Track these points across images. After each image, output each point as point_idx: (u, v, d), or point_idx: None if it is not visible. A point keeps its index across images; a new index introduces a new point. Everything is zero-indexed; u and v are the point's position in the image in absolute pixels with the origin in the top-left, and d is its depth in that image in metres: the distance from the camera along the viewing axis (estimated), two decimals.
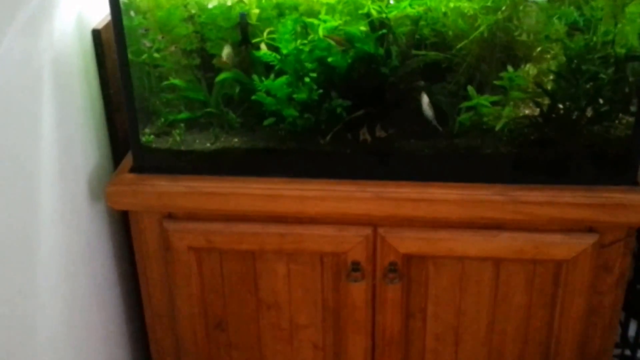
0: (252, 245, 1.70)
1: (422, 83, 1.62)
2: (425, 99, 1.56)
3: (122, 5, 1.54)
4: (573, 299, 1.68)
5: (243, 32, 1.59)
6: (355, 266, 1.68)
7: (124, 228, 1.86)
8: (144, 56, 1.66)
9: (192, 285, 1.78)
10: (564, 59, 1.62)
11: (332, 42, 1.52)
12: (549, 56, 1.63)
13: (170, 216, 1.70)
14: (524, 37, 1.54)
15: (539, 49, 1.61)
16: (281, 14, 1.62)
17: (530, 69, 1.65)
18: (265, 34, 1.62)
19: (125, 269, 1.92)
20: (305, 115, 1.60)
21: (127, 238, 1.83)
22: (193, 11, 1.61)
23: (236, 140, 1.65)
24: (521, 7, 1.52)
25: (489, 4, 1.51)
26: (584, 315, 1.71)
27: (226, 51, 1.62)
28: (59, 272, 1.58)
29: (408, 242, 1.67)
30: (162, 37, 1.57)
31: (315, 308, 1.77)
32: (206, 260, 1.76)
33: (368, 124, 1.61)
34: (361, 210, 1.63)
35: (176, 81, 1.66)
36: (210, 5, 1.57)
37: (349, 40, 1.60)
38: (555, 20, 1.52)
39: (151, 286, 1.82)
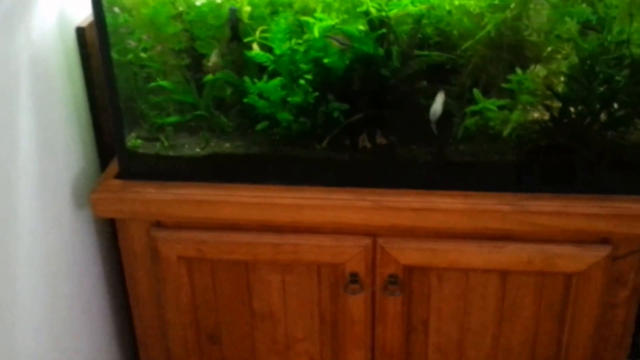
0: (245, 255, 1.63)
1: (424, 84, 1.51)
2: (439, 98, 1.46)
3: (104, 2, 1.43)
4: (584, 313, 1.60)
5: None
6: (354, 278, 1.61)
7: (111, 236, 1.77)
8: (130, 56, 1.55)
9: (183, 296, 1.71)
10: (576, 59, 1.51)
11: (334, 43, 1.41)
12: (559, 57, 1.52)
13: (159, 224, 1.62)
14: (534, 36, 1.42)
15: (549, 49, 1.49)
16: (274, 12, 1.53)
17: (540, 70, 1.54)
18: (257, 33, 1.52)
19: (114, 279, 1.84)
20: (301, 120, 1.53)
21: (115, 247, 1.75)
22: (181, 9, 1.50)
23: (228, 145, 1.58)
24: (531, 5, 1.40)
25: (496, 1, 1.40)
26: (594, 329, 1.63)
27: (213, 59, 1.51)
28: (42, 283, 1.50)
29: (409, 253, 1.59)
30: (148, 37, 1.46)
31: (312, 320, 1.70)
32: (197, 270, 1.69)
33: (368, 130, 1.52)
34: (360, 219, 1.55)
35: (164, 83, 1.57)
36: (198, 3, 1.46)
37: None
38: (567, 18, 1.39)
39: (140, 297, 1.75)
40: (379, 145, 1.52)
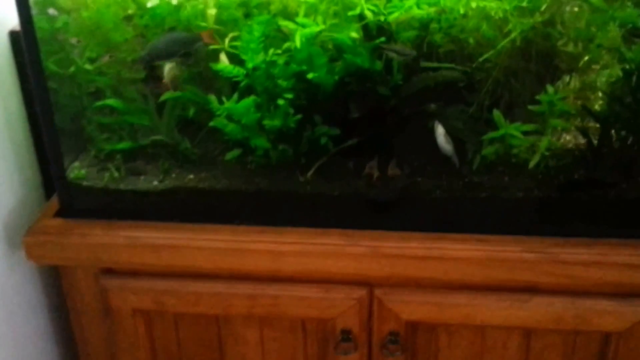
0: (214, 308, 1.40)
1: (433, 106, 1.25)
2: (440, 130, 1.25)
3: (32, 2, 1.16)
4: None
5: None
6: (346, 335, 1.39)
7: (57, 283, 1.52)
8: (72, 68, 1.27)
9: (141, 355, 1.48)
10: (618, 73, 1.25)
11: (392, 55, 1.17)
12: (599, 69, 1.24)
13: (110, 271, 1.40)
14: (570, 46, 1.13)
15: (585, 58, 1.21)
16: (248, 15, 1.30)
17: (574, 86, 1.26)
18: (226, 41, 1.27)
19: (61, 334, 1.61)
20: (280, 147, 1.33)
21: (62, 296, 1.51)
22: (131, 11, 1.21)
23: (192, 177, 1.37)
24: (567, 8, 1.10)
25: (524, 3, 1.10)
26: None
27: (168, 71, 1.25)
28: None
29: (413, 307, 1.37)
30: (78, 42, 1.21)
31: None
32: (157, 324, 1.46)
33: (380, 158, 1.30)
34: (353, 269, 1.33)
35: (112, 101, 1.32)
36: (150, 4, 1.17)
37: (337, 51, 1.21)
38: (612, 25, 1.10)
39: (92, 355, 1.52)
40: (390, 177, 1.29)
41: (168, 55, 1.24)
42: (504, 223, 1.31)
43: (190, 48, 1.23)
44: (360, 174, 1.28)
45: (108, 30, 1.29)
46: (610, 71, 1.29)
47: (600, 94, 1.34)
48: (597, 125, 1.33)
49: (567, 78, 1.29)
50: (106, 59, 1.31)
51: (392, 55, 1.17)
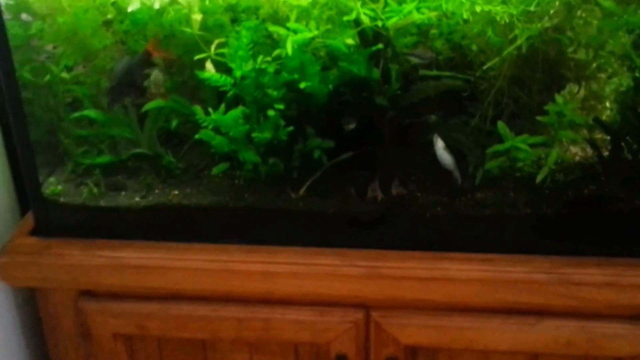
0: (201, 332, 1.34)
1: (433, 118, 1.18)
2: (439, 143, 1.18)
3: (4, 7, 1.08)
4: None
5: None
6: None
7: (34, 302, 1.43)
8: (47, 77, 1.19)
9: None
10: (629, 82, 1.19)
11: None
12: (608, 78, 1.17)
13: (89, 294, 1.34)
14: (581, 54, 1.04)
15: (595, 65, 1.14)
16: (235, 20, 1.23)
17: (581, 96, 1.19)
18: (212, 48, 1.18)
19: (38, 357, 1.52)
20: (271, 161, 1.25)
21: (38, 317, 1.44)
22: (110, 15, 1.13)
23: (176, 192, 1.30)
24: (578, 12, 1.02)
25: (532, 7, 1.01)
26: None
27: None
28: None
29: (412, 331, 1.30)
30: (54, 48, 1.14)
31: None
32: (140, 349, 1.39)
33: (381, 178, 1.23)
34: (349, 290, 1.26)
35: (90, 112, 1.24)
36: (130, 8, 1.08)
37: (332, 58, 1.11)
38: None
39: None
40: (396, 196, 1.21)
41: (132, 89, 1.17)
42: (510, 242, 1.25)
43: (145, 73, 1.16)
44: (363, 198, 1.20)
45: (86, 37, 1.22)
46: (621, 79, 1.21)
47: (607, 104, 1.27)
48: (606, 137, 1.26)
49: (574, 87, 1.20)
50: (80, 69, 1.22)
51: (413, 59, 1.09)
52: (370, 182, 1.22)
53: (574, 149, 1.31)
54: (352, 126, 1.18)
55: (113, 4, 1.18)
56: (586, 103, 1.25)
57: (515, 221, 1.24)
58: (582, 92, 1.24)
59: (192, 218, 1.29)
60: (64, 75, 1.26)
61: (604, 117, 1.26)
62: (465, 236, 1.26)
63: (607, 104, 1.27)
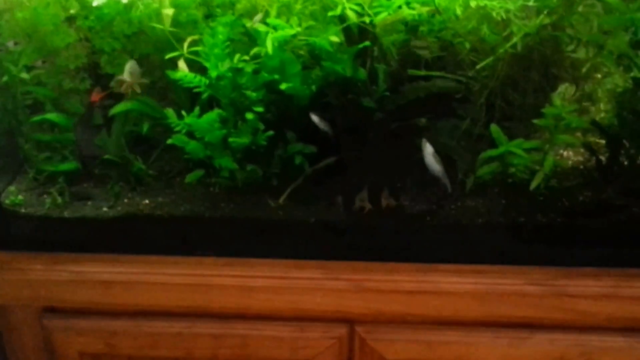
0: (175, 350, 1.27)
1: (423, 121, 1.13)
2: (428, 149, 1.11)
3: None
4: None
5: None
6: None
7: None
8: (5, 78, 1.12)
9: None
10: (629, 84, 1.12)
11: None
12: (608, 78, 1.13)
13: (54, 310, 1.27)
14: (582, 52, 0.97)
15: (597, 65, 1.09)
16: (210, 16, 1.17)
17: (578, 96, 1.13)
18: (185, 45, 1.11)
19: None
20: (249, 168, 1.18)
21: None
22: (73, 11, 1.04)
23: (147, 202, 1.23)
24: (580, 8, 0.95)
25: (530, 2, 0.93)
26: None
27: (130, 68, 1.14)
28: None
29: (399, 346, 1.24)
30: (16, 44, 1.12)
31: None
32: None
33: (370, 188, 1.15)
34: (332, 305, 1.21)
35: (52, 116, 1.18)
36: (96, 3, 0.99)
37: (314, 57, 1.03)
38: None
39: None
40: (385, 208, 1.14)
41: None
42: (503, 252, 1.19)
43: None
44: (350, 209, 1.13)
45: (47, 34, 1.14)
46: (622, 80, 1.15)
47: (603, 106, 1.20)
48: (601, 141, 1.20)
49: (570, 87, 1.13)
50: (39, 64, 1.13)
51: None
52: (357, 189, 1.14)
53: (566, 153, 1.25)
54: (336, 131, 1.09)
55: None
56: (584, 105, 1.19)
57: (507, 230, 1.18)
58: (578, 93, 1.17)
59: (164, 229, 1.23)
60: (24, 75, 1.18)
61: (598, 119, 1.20)
62: (455, 246, 1.20)
63: (603, 106, 1.21)
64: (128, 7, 1.11)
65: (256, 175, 1.19)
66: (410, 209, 1.17)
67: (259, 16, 1.11)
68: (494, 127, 1.10)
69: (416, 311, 1.19)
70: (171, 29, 1.13)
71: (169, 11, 1.08)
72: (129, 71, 1.17)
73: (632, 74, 1.12)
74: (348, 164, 1.16)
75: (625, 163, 1.15)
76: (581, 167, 1.21)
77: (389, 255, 1.19)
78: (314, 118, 1.10)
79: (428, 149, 1.10)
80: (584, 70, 1.13)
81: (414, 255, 1.19)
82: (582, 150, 1.24)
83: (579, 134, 1.21)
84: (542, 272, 1.17)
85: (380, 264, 1.19)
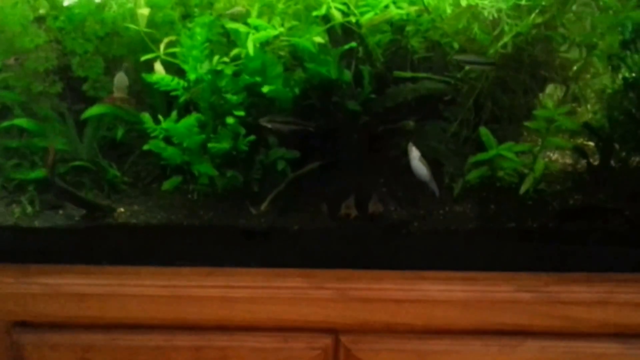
0: None
1: (411, 124, 1.09)
2: (414, 153, 1.07)
3: None
4: None
5: None
6: None
7: None
8: None
9: None
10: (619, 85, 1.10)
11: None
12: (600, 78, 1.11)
13: (25, 324, 1.21)
14: (573, 53, 0.93)
15: (587, 66, 1.06)
16: (187, 16, 1.13)
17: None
18: (162, 47, 1.07)
19: None
20: (229, 174, 1.15)
21: None
22: (42, 10, 0.99)
23: (122, 210, 1.19)
24: (574, 7, 0.91)
25: (523, 1, 0.89)
26: None
27: (118, 81, 1.11)
28: None
29: (386, 356, 1.20)
30: None
31: None
32: None
33: (358, 194, 1.11)
34: (316, 315, 1.17)
35: (21, 121, 1.14)
36: (66, 2, 0.94)
37: (296, 58, 0.99)
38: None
39: None
40: (371, 215, 1.10)
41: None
42: (493, 257, 1.15)
43: None
44: (334, 216, 1.08)
45: (14, 34, 1.09)
46: (601, 80, 1.12)
47: (589, 107, 1.17)
48: (590, 143, 1.16)
49: (558, 89, 1.09)
50: (11, 61, 1.08)
51: (474, 67, 0.96)
52: (341, 195, 1.09)
53: (554, 156, 1.21)
54: (319, 135, 1.05)
55: None
56: (572, 106, 1.16)
57: (497, 236, 1.15)
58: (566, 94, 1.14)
59: (141, 239, 1.19)
60: None
61: (587, 121, 1.17)
62: (443, 253, 1.16)
63: (591, 107, 1.18)
64: (100, 7, 1.08)
65: (237, 181, 1.15)
66: (397, 215, 1.14)
67: (236, 9, 1.06)
68: (483, 130, 1.07)
69: (403, 320, 1.16)
70: (147, 29, 1.10)
71: (144, 11, 1.05)
72: (115, 84, 1.13)
73: (623, 74, 1.08)
74: (332, 169, 1.12)
75: (617, 165, 1.11)
76: (570, 169, 1.18)
77: (375, 262, 1.16)
78: (264, 123, 1.06)
79: (414, 154, 1.07)
80: (573, 70, 1.10)
81: (401, 263, 1.15)
82: (568, 152, 1.21)
83: (566, 136, 1.19)
84: (533, 278, 1.14)
85: (365, 272, 1.15)
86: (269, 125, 1.05)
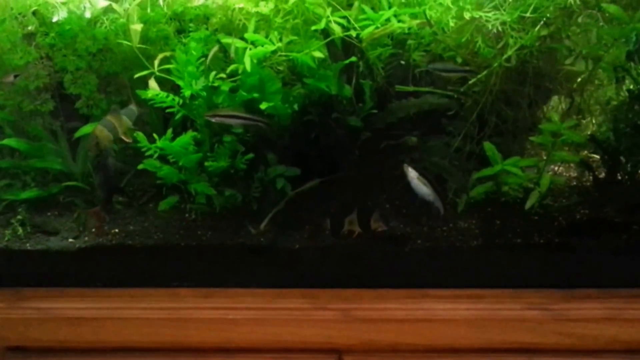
0: None
1: (414, 139, 1.05)
2: (411, 174, 1.02)
3: None
4: None
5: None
6: None
7: None
8: None
9: None
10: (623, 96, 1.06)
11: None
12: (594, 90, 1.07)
13: (19, 350, 1.17)
14: (580, 65, 0.89)
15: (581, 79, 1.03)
16: (182, 31, 1.07)
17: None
18: (156, 63, 1.02)
19: None
20: (227, 192, 1.09)
21: None
22: (31, 27, 0.96)
23: (117, 230, 1.14)
24: (579, 19, 0.87)
25: (527, 14, 0.85)
26: None
27: (124, 123, 1.04)
28: None
29: None
30: None
31: None
32: None
33: (359, 211, 1.06)
34: (319, 336, 1.13)
35: (11, 141, 1.10)
36: (55, 18, 0.88)
37: (295, 74, 0.95)
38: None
39: None
40: (374, 231, 1.06)
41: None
42: (500, 274, 1.11)
43: None
44: (337, 233, 1.03)
45: (4, 52, 1.05)
46: (606, 92, 1.08)
47: (593, 119, 1.13)
48: (596, 156, 1.12)
49: (563, 102, 1.05)
50: (10, 79, 1.04)
51: (450, 75, 0.92)
52: (343, 213, 1.04)
53: (558, 169, 1.18)
54: (320, 151, 1.00)
55: (34, 13, 0.97)
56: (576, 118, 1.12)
57: (503, 252, 1.10)
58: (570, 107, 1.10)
59: (137, 260, 1.16)
60: None
61: (592, 133, 1.13)
62: (448, 270, 1.12)
63: (595, 120, 1.13)
64: (92, 23, 1.02)
65: (235, 200, 1.10)
66: (400, 232, 1.10)
67: None
68: (488, 145, 1.02)
69: (408, 340, 1.12)
70: (140, 45, 1.04)
71: (137, 27, 1.00)
72: (121, 126, 1.08)
73: (629, 87, 1.04)
74: (334, 186, 1.07)
75: (625, 179, 1.07)
76: (575, 183, 1.14)
77: (378, 281, 1.11)
78: (208, 117, 1.02)
79: (411, 174, 1.03)
80: (578, 82, 1.06)
81: (405, 280, 1.11)
82: (572, 165, 1.17)
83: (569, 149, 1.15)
84: (542, 295, 1.11)
85: (369, 291, 1.11)
86: (213, 120, 1.00)
